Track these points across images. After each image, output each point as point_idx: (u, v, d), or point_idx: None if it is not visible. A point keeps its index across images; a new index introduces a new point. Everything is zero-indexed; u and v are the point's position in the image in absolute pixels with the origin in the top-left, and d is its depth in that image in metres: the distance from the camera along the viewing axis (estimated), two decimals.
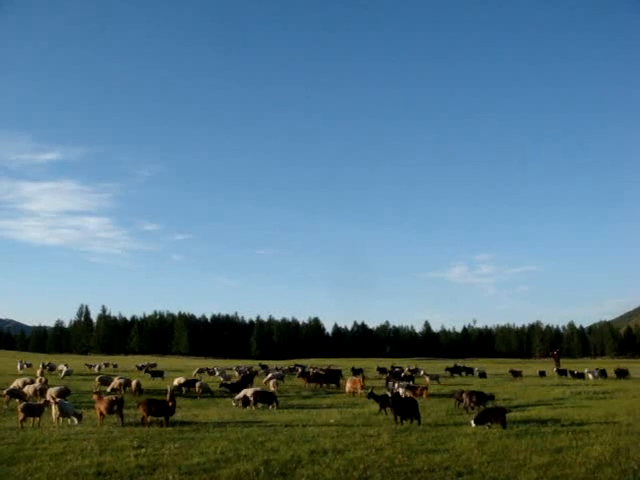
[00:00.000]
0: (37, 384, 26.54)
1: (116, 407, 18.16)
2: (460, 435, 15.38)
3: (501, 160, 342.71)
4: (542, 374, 49.62)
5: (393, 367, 53.07)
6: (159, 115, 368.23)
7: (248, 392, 24.59)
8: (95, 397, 19.79)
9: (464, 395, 22.85)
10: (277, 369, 47.98)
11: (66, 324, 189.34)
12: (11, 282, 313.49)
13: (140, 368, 53.59)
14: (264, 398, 23.92)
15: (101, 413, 18.32)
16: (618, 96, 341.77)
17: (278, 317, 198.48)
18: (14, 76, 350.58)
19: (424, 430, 16.58)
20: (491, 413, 17.56)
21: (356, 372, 45.25)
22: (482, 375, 47.00)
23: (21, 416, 17.43)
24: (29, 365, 52.72)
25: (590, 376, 43.78)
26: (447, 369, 51.23)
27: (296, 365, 57.44)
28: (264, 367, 54.56)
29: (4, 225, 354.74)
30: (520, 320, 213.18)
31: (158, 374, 41.09)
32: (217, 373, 44.72)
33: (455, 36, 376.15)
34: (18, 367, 48.55)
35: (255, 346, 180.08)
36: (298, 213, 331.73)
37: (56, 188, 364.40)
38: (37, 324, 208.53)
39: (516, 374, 46.19)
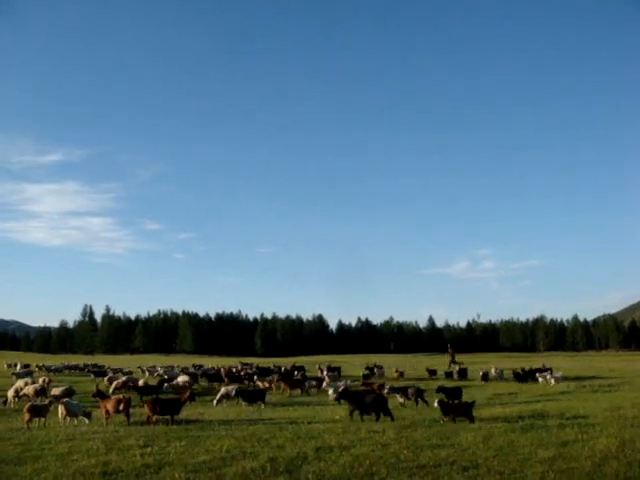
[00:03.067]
0: (38, 384, 26.63)
1: (123, 406, 18.21)
2: (465, 430, 15.37)
3: (503, 153, 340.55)
4: (448, 375, 41.68)
5: (276, 366, 49.32)
6: (160, 114, 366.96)
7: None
8: (95, 390, 19.85)
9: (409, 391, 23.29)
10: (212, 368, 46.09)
11: (70, 324, 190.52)
12: (15, 283, 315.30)
13: (83, 369, 53.22)
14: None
15: (107, 412, 18.39)
16: (620, 87, 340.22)
17: (282, 314, 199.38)
18: (15, 77, 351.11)
19: (429, 425, 16.58)
20: (455, 407, 17.78)
21: (264, 371, 42.93)
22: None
23: (27, 417, 17.49)
24: (10, 365, 54.16)
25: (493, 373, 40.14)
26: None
27: (244, 364, 54.06)
28: (199, 367, 51.29)
29: (7, 227, 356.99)
30: (524, 314, 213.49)
31: (101, 374, 41.30)
32: (160, 372, 43.72)
33: (455, 28, 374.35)
34: (18, 367, 48.92)
35: (259, 344, 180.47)
36: (300, 210, 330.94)
37: (59, 189, 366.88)
38: (41, 325, 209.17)
39: (432, 373, 43.10)
